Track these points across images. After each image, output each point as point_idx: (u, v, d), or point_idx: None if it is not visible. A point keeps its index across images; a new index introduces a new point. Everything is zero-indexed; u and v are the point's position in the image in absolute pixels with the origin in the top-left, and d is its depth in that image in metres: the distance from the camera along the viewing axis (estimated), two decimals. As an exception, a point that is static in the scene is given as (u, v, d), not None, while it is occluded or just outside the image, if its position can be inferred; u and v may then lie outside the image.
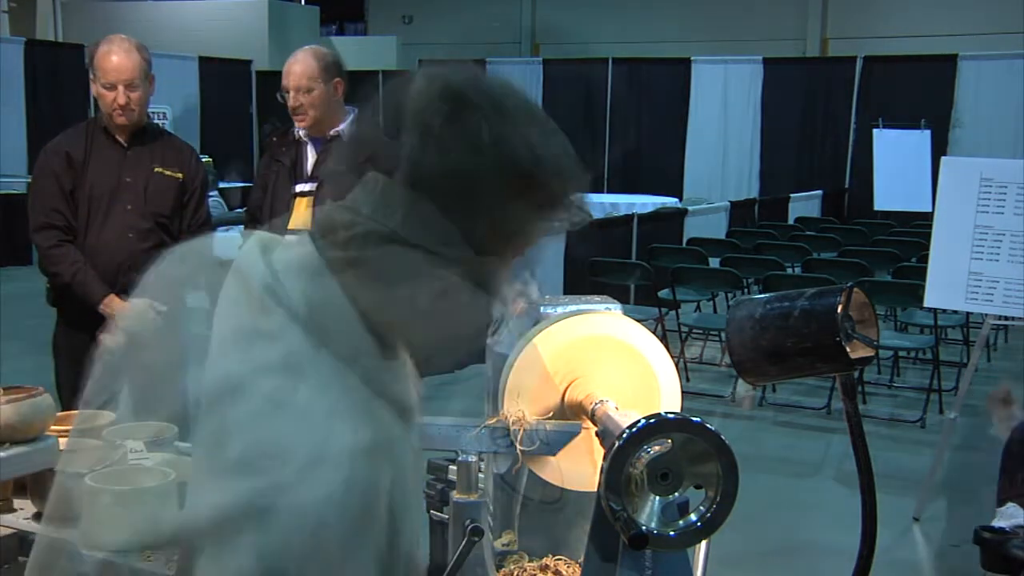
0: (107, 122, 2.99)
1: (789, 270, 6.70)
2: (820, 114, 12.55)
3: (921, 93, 11.41)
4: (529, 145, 0.86)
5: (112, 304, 2.87)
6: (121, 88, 2.93)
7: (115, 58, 2.93)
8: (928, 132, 9.82)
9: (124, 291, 2.87)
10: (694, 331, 6.54)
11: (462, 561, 1.22)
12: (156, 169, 3.00)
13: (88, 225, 2.97)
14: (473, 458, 1.32)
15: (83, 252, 2.91)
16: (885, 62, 12.12)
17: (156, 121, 3.44)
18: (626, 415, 1.23)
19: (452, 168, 0.85)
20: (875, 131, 9.87)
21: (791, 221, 9.80)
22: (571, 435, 1.31)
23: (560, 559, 1.47)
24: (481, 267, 0.89)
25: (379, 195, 0.88)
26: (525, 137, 0.86)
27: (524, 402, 1.31)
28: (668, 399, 1.37)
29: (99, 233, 2.95)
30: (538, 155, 0.87)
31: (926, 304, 4.18)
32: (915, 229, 8.06)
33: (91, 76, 2.99)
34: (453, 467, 1.38)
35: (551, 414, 1.33)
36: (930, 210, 6.82)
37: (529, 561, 1.47)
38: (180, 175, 3.03)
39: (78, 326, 2.84)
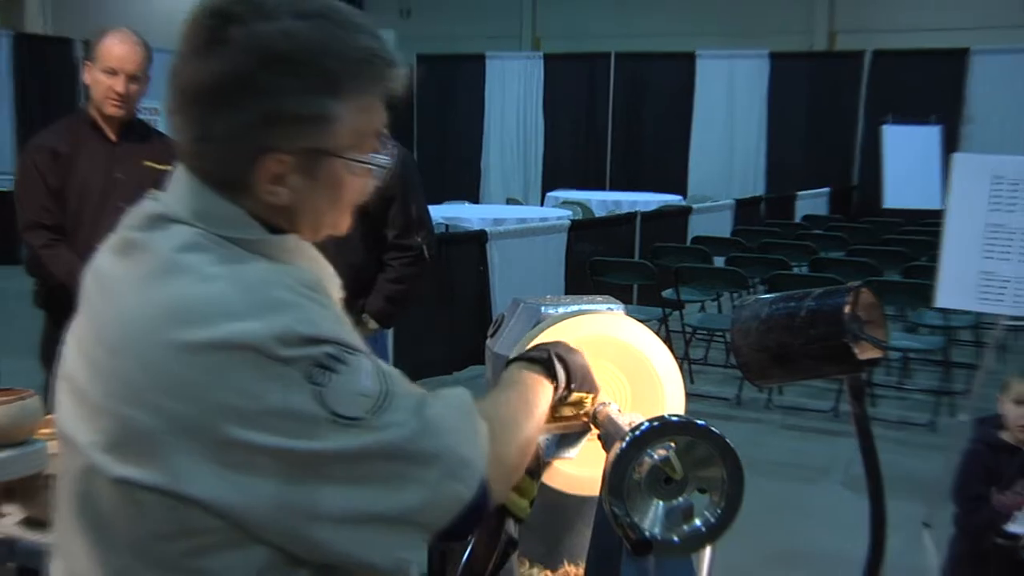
0: (95, 114, 2.98)
1: (796, 269, 6.71)
2: (828, 109, 12.56)
3: (932, 88, 11.43)
4: (287, 33, 0.95)
5: None
6: (123, 77, 2.91)
7: (123, 47, 2.92)
8: (939, 128, 9.84)
9: None
10: (698, 332, 6.54)
11: (497, 572, 1.22)
12: (147, 163, 2.99)
13: (79, 224, 2.95)
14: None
15: (75, 252, 2.87)
16: (895, 56, 12.13)
17: (148, 117, 3.43)
18: (629, 418, 1.23)
19: (217, 72, 0.95)
20: (884, 127, 9.88)
21: (798, 219, 9.81)
22: (580, 436, 1.31)
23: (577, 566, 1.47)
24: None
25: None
26: (283, 27, 0.95)
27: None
28: (672, 402, 1.37)
29: (92, 232, 2.92)
30: (298, 38, 0.96)
31: (936, 304, 4.17)
32: (925, 227, 8.06)
33: (87, 63, 2.97)
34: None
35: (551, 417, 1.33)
36: (940, 208, 6.84)
37: (539, 569, 1.47)
38: (170, 167, 3.01)
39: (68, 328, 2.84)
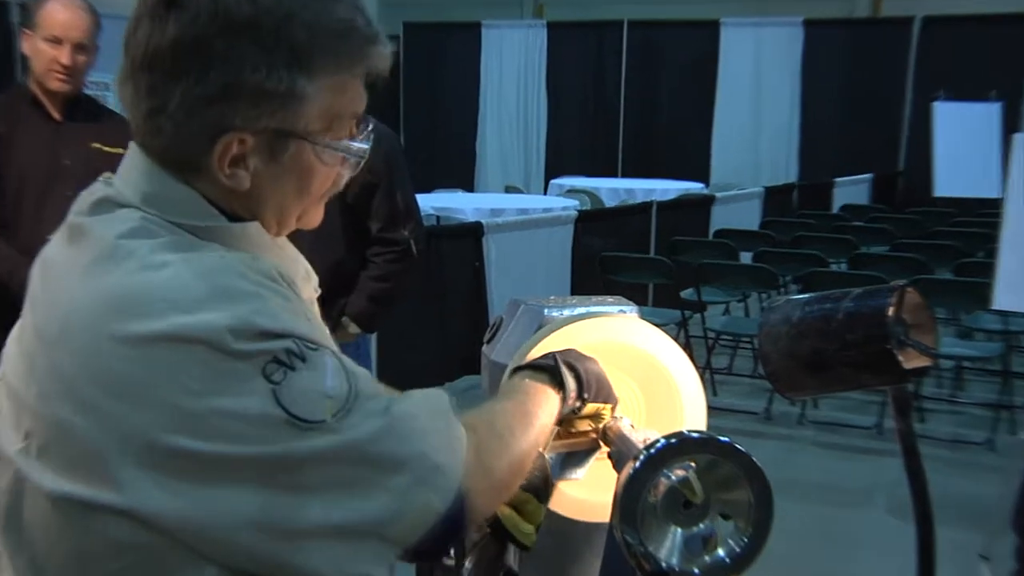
0: (37, 88, 2.98)
1: (833, 266, 6.71)
2: (870, 85, 12.55)
3: (990, 60, 11.40)
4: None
5: None
6: (68, 47, 2.91)
7: (67, 12, 2.92)
8: (998, 105, 9.83)
9: None
10: (722, 337, 6.55)
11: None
12: (94, 145, 2.99)
13: (19, 215, 2.94)
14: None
15: (16, 247, 2.87)
16: (948, 23, 12.12)
17: (98, 92, 3.43)
18: (643, 434, 1.24)
19: (178, 36, 0.97)
20: (935, 104, 9.88)
21: (835, 210, 9.81)
22: (589, 454, 1.32)
23: None
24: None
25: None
26: None
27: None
28: (692, 416, 1.37)
29: (35, 225, 2.92)
30: (262, 3, 0.98)
31: (994, 306, 4.18)
32: (981, 219, 8.07)
33: (25, 32, 2.96)
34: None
35: (566, 433, 1.33)
36: (999, 196, 6.85)
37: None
38: (121, 150, 3.01)
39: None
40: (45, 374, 0.94)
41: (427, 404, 1.01)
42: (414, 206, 3.23)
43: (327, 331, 1.04)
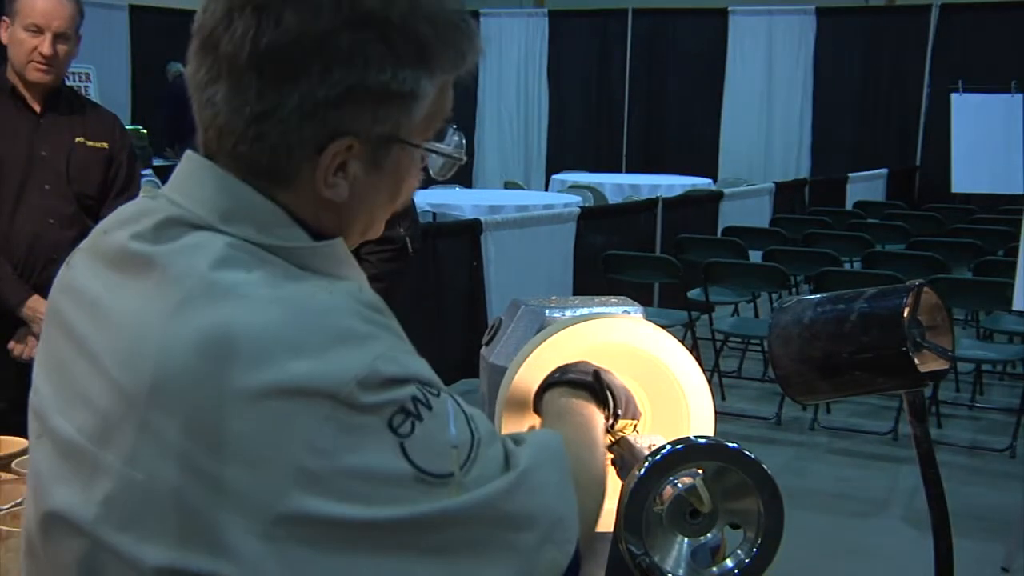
0: (16, 80, 2.98)
1: (847, 265, 6.72)
2: (886, 76, 12.58)
3: (1012, 49, 11.41)
4: None
5: (38, 307, 2.87)
6: (49, 36, 2.91)
7: (48, 0, 2.92)
8: (1020, 96, 9.83)
9: (44, 291, 2.88)
10: (731, 339, 6.55)
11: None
12: (77, 140, 2.99)
13: None
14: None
15: None
16: (967, 11, 12.13)
17: (79, 84, 3.44)
18: (648, 440, 1.24)
19: (296, 32, 0.90)
20: (953, 96, 9.87)
21: (849, 206, 9.81)
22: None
23: None
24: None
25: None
26: None
27: (526, 424, 1.32)
28: (698, 421, 1.38)
29: (11, 220, 2.93)
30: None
31: (1015, 307, 4.18)
32: (1002, 216, 8.07)
33: (3, 20, 2.96)
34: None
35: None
36: (1021, 192, 6.85)
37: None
38: (105, 144, 3.03)
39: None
40: (135, 435, 0.87)
41: (547, 451, 0.98)
42: (409, 203, 3.23)
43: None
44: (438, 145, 1.01)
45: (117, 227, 0.97)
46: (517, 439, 0.98)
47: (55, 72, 2.96)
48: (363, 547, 0.84)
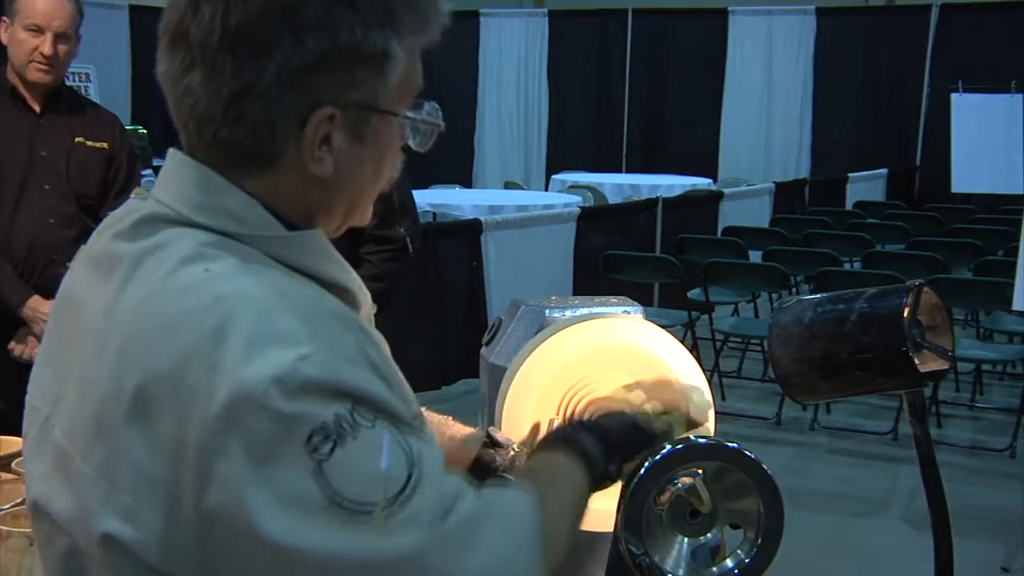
0: (16, 80, 2.98)
1: (847, 265, 6.71)
2: (886, 76, 12.56)
3: (1012, 49, 11.40)
4: None
5: (38, 307, 2.87)
6: (49, 36, 2.91)
7: (48, 0, 2.92)
8: (1020, 97, 9.82)
9: (44, 291, 2.88)
10: (731, 340, 6.55)
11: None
12: (77, 140, 2.99)
13: None
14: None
15: None
16: (967, 11, 12.12)
17: (79, 84, 3.44)
18: (648, 440, 1.24)
19: (264, 6, 0.91)
20: (954, 96, 9.87)
21: (849, 206, 9.81)
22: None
23: None
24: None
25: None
26: None
27: (526, 424, 1.32)
28: (698, 421, 1.38)
29: (11, 220, 2.93)
30: None
31: (1015, 307, 4.18)
32: (1002, 216, 8.07)
33: (3, 20, 2.96)
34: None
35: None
36: (1022, 192, 6.85)
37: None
38: (105, 144, 3.03)
39: None
40: (92, 433, 0.90)
41: (501, 507, 0.91)
42: (410, 202, 3.24)
43: (394, 366, 0.96)
44: (413, 114, 1.01)
45: (106, 228, 0.99)
46: (485, 492, 0.91)
47: (56, 72, 2.97)
48: (272, 566, 0.83)
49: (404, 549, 0.83)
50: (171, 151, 1.00)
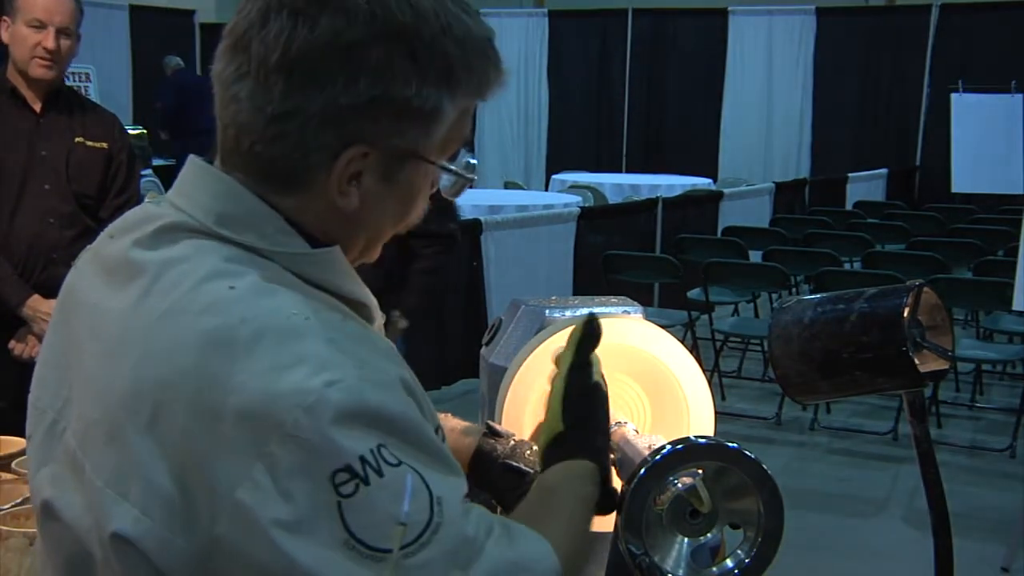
0: (17, 80, 2.97)
1: (847, 265, 6.72)
2: (886, 76, 12.57)
3: (1012, 49, 11.40)
4: (410, 2, 0.93)
5: (38, 306, 2.87)
6: (52, 31, 2.90)
7: None
8: (1020, 97, 9.82)
9: (44, 290, 2.88)
10: (731, 339, 6.55)
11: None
12: (77, 140, 2.99)
13: None
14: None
15: None
16: (967, 10, 12.13)
17: (79, 84, 3.44)
18: (648, 440, 1.24)
19: (328, 39, 0.91)
20: (953, 96, 9.86)
21: (849, 206, 9.81)
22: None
23: None
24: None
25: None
26: None
27: (526, 425, 1.32)
28: (698, 421, 1.38)
29: (11, 220, 2.93)
30: (421, 10, 0.93)
31: (1015, 307, 4.18)
32: (1002, 216, 8.07)
33: (3, 19, 2.96)
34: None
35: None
36: (1022, 193, 6.85)
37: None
38: (104, 144, 3.03)
39: None
40: (104, 442, 0.89)
41: (525, 566, 0.90)
42: (456, 200, 3.33)
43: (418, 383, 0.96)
44: (450, 165, 1.01)
45: (122, 233, 0.98)
46: (510, 535, 0.91)
47: (58, 68, 2.96)
48: None
49: None
50: (191, 158, 0.99)
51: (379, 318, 1.05)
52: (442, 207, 3.15)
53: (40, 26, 2.90)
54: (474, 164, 1.05)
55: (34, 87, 2.98)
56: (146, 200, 0.93)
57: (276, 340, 0.86)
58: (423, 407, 0.91)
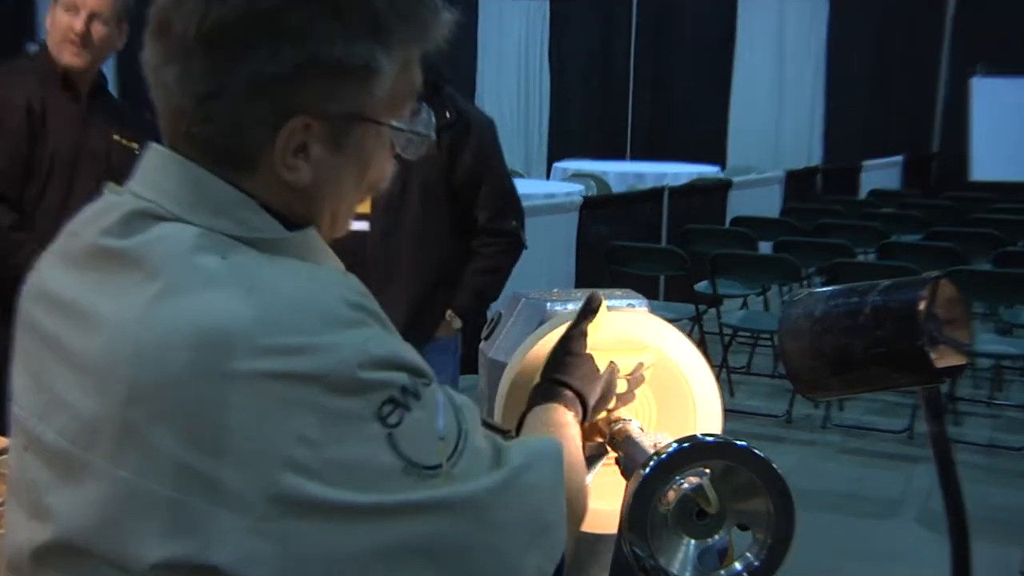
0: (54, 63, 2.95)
1: (860, 257, 6.71)
2: (902, 58, 12.55)
3: (1033, 31, 11.39)
4: None
5: None
6: (83, 14, 2.90)
7: None
8: (1041, 81, 9.82)
9: None
10: (740, 334, 6.55)
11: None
12: (115, 137, 3.00)
13: (42, 200, 2.94)
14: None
15: (34, 236, 2.84)
16: (985, -8, 12.10)
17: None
18: (653, 438, 1.24)
19: (244, 8, 0.91)
20: (973, 80, 9.88)
21: (863, 195, 9.82)
22: (595, 460, 1.32)
23: None
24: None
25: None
26: None
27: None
28: (706, 418, 1.38)
29: (59, 211, 2.88)
30: None
31: (1034, 300, 4.19)
32: (1023, 205, 8.07)
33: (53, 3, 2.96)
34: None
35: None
36: (1042, 181, 6.85)
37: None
38: (135, 145, 3.03)
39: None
40: (119, 433, 0.87)
41: (540, 453, 0.99)
42: (516, 194, 3.34)
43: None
44: (401, 123, 1.00)
45: (84, 226, 0.98)
46: (508, 439, 1.00)
47: (89, 55, 2.94)
48: (351, 529, 0.85)
49: (469, 495, 0.89)
50: (152, 145, 0.99)
51: None
52: (502, 204, 3.20)
53: (73, 9, 2.90)
54: (431, 121, 1.04)
55: (79, 79, 2.97)
56: (106, 190, 0.93)
57: (291, 304, 0.87)
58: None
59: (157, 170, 0.97)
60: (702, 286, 6.28)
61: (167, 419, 0.85)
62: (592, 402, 1.25)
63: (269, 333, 0.85)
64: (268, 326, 0.86)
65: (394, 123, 1.00)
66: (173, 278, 0.89)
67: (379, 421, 0.86)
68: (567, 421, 1.19)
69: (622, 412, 1.32)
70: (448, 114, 2.97)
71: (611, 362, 1.29)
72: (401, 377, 0.88)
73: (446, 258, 3.12)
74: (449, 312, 3.20)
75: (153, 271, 0.90)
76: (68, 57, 2.92)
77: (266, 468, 0.84)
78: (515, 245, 3.26)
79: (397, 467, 0.86)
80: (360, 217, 2.97)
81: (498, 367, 1.37)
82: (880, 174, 10.69)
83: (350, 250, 3.69)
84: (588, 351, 1.26)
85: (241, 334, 0.85)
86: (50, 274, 1.00)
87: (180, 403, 0.85)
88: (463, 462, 0.90)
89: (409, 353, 0.91)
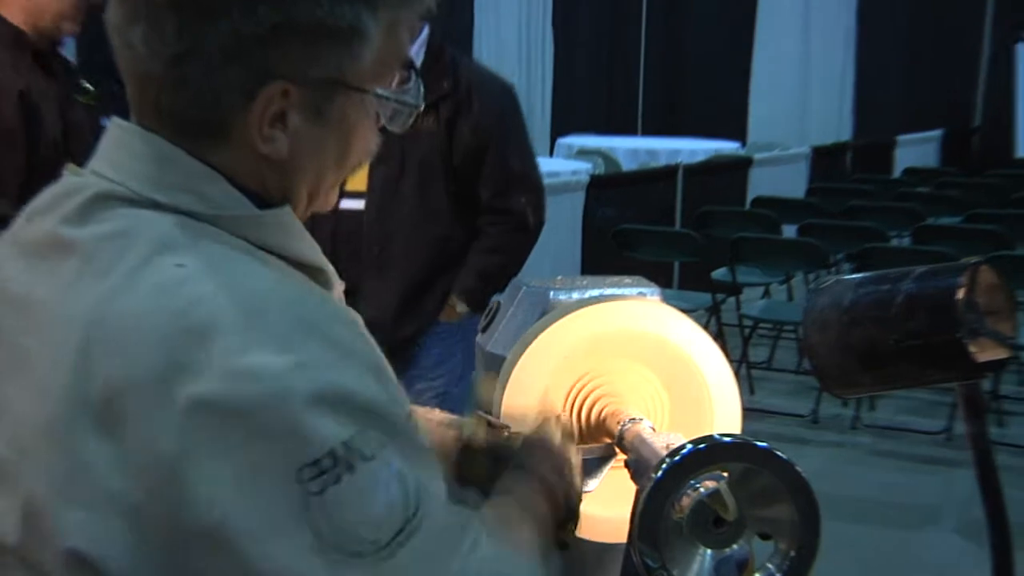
0: (33, 33, 2.94)
1: (894, 241, 6.72)
2: (940, 24, 12.53)
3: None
4: None
5: None
6: None
7: None
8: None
9: None
10: (761, 326, 6.56)
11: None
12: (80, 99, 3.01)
13: (33, 191, 2.94)
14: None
15: None
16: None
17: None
18: (666, 439, 1.25)
19: None
20: (1019, 47, 9.85)
21: (897, 174, 9.82)
22: (602, 463, 1.32)
23: None
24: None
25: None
26: None
27: (527, 421, 1.32)
28: (723, 418, 1.38)
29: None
30: None
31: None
32: (1071, 184, 8.08)
33: None
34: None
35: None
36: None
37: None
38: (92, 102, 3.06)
39: None
40: (50, 442, 0.88)
41: (515, 559, 0.98)
42: (532, 171, 3.33)
43: (388, 368, 0.97)
44: (387, 92, 1.00)
45: (43, 212, 0.98)
46: (509, 439, 0.97)
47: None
48: None
49: None
50: (113, 120, 0.99)
51: (339, 285, 1.06)
52: (507, 180, 3.20)
53: None
54: (419, 89, 1.04)
55: (44, 45, 2.97)
56: (66, 172, 0.93)
57: (234, 321, 0.86)
58: (388, 388, 0.92)
59: (118, 146, 0.98)
60: (720, 273, 6.29)
61: (102, 435, 0.85)
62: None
63: (199, 355, 0.84)
64: (199, 348, 0.84)
65: (379, 91, 1.00)
66: (120, 283, 0.89)
67: (297, 480, 0.83)
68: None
69: (632, 411, 1.33)
70: (446, 84, 2.96)
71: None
72: (337, 435, 0.84)
73: (447, 238, 3.14)
74: (452, 295, 3.22)
75: (101, 274, 0.90)
76: (71, 28, 2.97)
77: (178, 499, 0.83)
78: (523, 226, 3.26)
79: (306, 543, 0.83)
80: (356, 195, 2.99)
81: (496, 361, 1.37)
82: (916, 150, 10.69)
83: (345, 230, 3.65)
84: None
85: (174, 355, 0.85)
86: (3, 264, 0.99)
87: (115, 420, 0.85)
88: (403, 553, 0.85)
89: (358, 384, 0.88)
